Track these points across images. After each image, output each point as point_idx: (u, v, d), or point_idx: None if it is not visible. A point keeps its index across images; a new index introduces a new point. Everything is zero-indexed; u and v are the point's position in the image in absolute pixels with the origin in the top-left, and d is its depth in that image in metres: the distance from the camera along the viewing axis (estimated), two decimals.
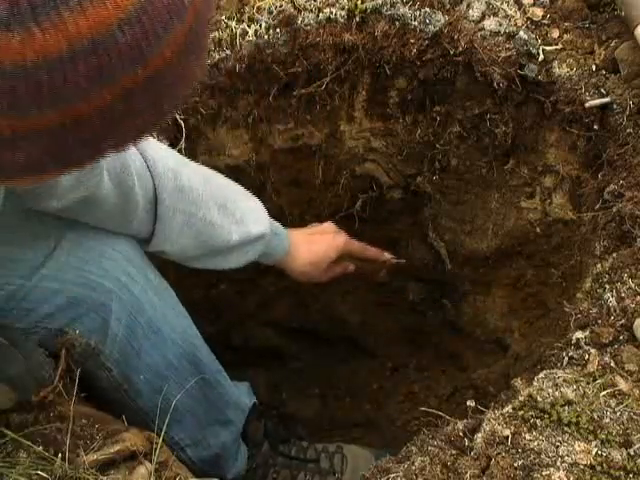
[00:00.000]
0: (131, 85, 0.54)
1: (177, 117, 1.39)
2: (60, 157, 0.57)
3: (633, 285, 1.12)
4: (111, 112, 0.55)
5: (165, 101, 0.59)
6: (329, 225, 1.50)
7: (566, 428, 0.97)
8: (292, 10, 1.40)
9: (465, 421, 1.05)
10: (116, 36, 0.52)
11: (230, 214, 1.26)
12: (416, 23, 1.38)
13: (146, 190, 1.15)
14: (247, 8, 1.44)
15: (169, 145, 1.40)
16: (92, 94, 0.53)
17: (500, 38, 1.37)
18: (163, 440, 1.12)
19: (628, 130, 1.29)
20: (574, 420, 0.97)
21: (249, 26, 1.41)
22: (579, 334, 1.10)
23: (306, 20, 1.39)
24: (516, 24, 1.39)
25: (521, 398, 1.02)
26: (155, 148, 1.18)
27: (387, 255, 1.60)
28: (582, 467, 0.93)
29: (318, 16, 1.40)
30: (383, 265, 1.62)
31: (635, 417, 0.98)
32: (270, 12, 1.41)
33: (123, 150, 0.61)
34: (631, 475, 0.92)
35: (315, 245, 1.44)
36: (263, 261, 1.39)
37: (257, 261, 1.37)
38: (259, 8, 1.43)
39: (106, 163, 1.07)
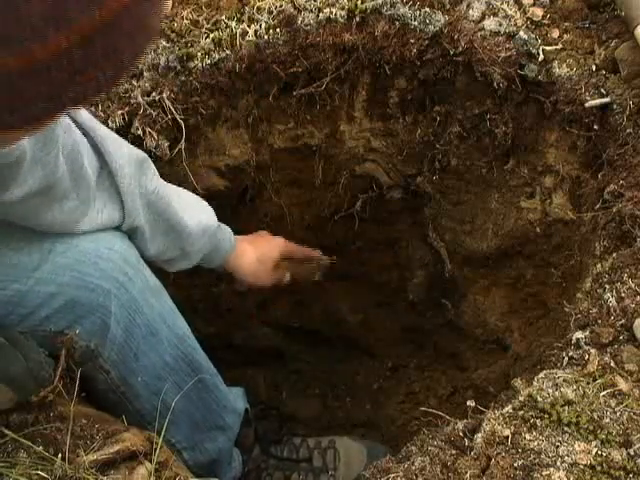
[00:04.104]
0: (88, 30, 0.52)
1: (177, 117, 1.38)
2: (18, 109, 0.54)
3: (633, 285, 1.12)
4: (69, 60, 0.52)
5: (125, 52, 0.56)
6: (263, 231, 1.54)
7: (566, 428, 0.97)
8: (292, 10, 1.40)
9: (465, 421, 1.05)
10: None
11: (182, 200, 1.27)
12: (416, 23, 1.38)
13: (95, 168, 1.13)
14: (247, 8, 1.43)
15: (168, 145, 1.40)
16: (48, 37, 0.50)
17: (500, 38, 1.37)
18: None
19: (628, 130, 1.28)
20: (574, 420, 0.97)
21: (249, 26, 1.41)
22: (579, 334, 1.10)
23: (306, 20, 1.39)
24: (516, 24, 1.39)
25: (521, 398, 1.02)
26: (104, 131, 1.16)
27: (319, 253, 1.65)
28: (582, 467, 0.93)
29: (318, 16, 1.40)
30: (317, 267, 1.67)
31: (635, 417, 0.98)
32: (270, 12, 1.41)
33: (84, 106, 0.57)
34: (631, 475, 0.92)
35: (259, 244, 1.47)
36: (213, 259, 1.38)
37: (206, 265, 1.38)
38: (259, 8, 1.42)
39: (62, 138, 1.03)
